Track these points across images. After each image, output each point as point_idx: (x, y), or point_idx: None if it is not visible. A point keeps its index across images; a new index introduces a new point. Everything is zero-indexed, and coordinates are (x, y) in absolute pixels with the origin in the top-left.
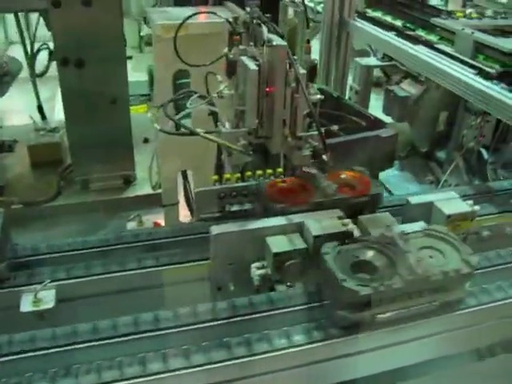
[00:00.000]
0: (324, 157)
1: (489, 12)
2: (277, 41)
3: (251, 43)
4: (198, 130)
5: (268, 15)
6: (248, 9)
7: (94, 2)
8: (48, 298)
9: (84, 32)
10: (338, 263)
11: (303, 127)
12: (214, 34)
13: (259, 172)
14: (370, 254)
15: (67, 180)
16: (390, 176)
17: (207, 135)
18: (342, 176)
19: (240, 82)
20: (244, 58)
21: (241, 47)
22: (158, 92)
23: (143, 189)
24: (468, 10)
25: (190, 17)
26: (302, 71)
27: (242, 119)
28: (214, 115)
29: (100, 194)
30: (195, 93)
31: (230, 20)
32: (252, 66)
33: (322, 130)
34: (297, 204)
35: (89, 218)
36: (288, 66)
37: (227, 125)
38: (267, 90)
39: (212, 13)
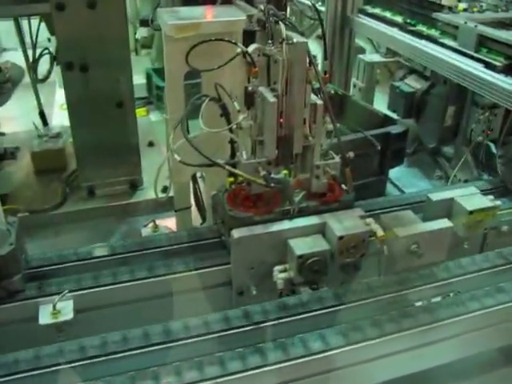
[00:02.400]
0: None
1: (484, 5)
2: (296, 38)
3: (269, 41)
4: (220, 162)
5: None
6: (262, 6)
7: (99, 3)
8: (66, 309)
9: (88, 35)
10: None
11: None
12: (227, 32)
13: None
14: None
15: (72, 186)
16: (398, 173)
17: (229, 168)
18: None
19: (258, 113)
20: (263, 90)
21: (258, 46)
22: (169, 94)
23: (150, 193)
24: (461, 4)
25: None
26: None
27: (260, 149)
28: (226, 116)
29: (107, 199)
30: (207, 96)
31: (244, 18)
32: (271, 97)
33: (338, 158)
34: (262, 212)
35: (96, 225)
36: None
37: (244, 154)
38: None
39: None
